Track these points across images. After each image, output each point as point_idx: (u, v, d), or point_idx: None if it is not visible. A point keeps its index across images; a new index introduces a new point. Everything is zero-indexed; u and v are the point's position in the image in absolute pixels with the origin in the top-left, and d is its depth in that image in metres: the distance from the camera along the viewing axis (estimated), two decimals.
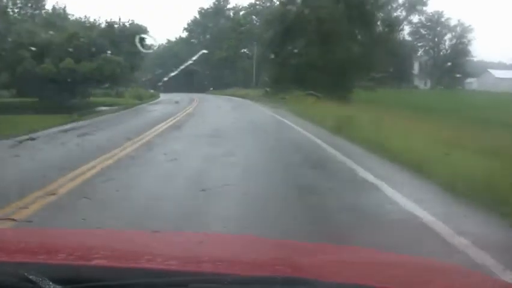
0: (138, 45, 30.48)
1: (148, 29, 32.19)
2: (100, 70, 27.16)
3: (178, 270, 1.44)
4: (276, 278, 1.32)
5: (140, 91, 40.02)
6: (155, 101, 37.33)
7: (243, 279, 1.33)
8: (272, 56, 33.62)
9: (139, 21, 57.69)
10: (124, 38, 29.88)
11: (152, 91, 42.85)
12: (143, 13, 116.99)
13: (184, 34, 73.27)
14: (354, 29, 33.20)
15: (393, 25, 39.41)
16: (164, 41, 71.00)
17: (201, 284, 1.30)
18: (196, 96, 38.34)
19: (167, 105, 29.67)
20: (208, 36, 69.56)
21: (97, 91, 32.89)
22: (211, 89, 50.18)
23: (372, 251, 2.31)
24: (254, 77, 48.47)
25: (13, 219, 4.76)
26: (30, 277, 1.24)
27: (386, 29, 36.96)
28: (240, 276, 1.36)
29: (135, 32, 28.95)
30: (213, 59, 59.51)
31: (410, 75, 50.69)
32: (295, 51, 31.41)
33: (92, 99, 30.49)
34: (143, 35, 30.25)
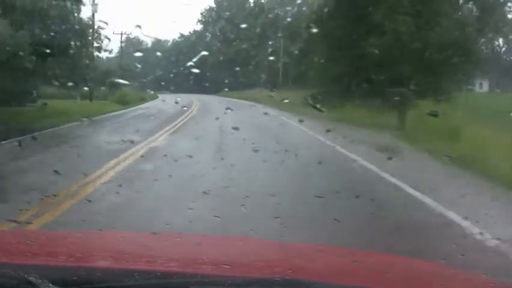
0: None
1: None
2: None
3: (178, 272, 1.44)
4: (276, 280, 1.32)
5: (129, 93, 32.70)
6: (134, 108, 27.54)
7: (243, 281, 1.34)
8: (324, 38, 21.74)
9: (146, 15, 51.57)
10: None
11: (152, 92, 39.22)
12: (149, 7, 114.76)
13: (199, 27, 66.73)
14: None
15: None
16: (177, 36, 65.98)
17: (201, 286, 1.30)
18: (200, 100, 30.31)
19: (121, 128, 16.55)
20: (224, 27, 60.54)
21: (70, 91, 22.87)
22: (226, 89, 41.27)
23: (371, 252, 2.32)
24: (280, 75, 39.73)
25: (14, 221, 4.76)
26: (30, 279, 1.24)
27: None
28: (239, 277, 1.37)
29: None
30: (229, 54, 52.05)
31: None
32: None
33: (46, 103, 18.26)
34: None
